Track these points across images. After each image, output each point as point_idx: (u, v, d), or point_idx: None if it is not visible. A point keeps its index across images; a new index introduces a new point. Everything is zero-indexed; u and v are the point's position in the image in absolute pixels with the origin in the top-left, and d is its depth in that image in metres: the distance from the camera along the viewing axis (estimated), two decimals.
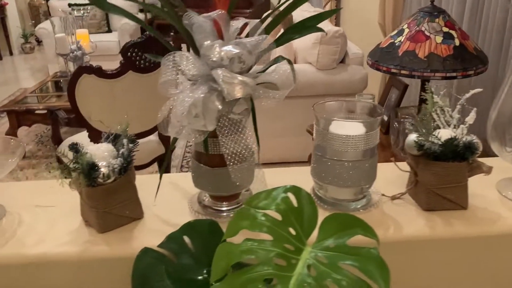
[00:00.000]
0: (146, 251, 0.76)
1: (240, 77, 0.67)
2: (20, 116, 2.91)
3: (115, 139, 0.83)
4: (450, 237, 0.80)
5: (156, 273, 0.73)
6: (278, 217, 0.55)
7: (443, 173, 0.82)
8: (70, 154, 0.79)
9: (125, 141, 0.80)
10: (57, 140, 2.61)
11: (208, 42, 0.69)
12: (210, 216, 0.83)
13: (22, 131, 3.39)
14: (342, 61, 2.80)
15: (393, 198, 0.89)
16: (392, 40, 1.79)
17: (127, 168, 0.79)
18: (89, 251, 0.77)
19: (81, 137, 2.29)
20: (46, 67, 5.30)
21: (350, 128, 0.83)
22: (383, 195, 0.89)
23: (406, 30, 1.76)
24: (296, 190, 0.56)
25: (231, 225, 0.56)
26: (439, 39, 1.68)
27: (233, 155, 0.73)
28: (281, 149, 2.86)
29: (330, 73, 2.73)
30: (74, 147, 0.78)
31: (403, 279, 0.78)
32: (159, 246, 0.77)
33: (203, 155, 0.80)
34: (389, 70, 1.74)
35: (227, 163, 0.75)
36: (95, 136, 1.98)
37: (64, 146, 2.29)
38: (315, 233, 0.55)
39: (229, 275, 0.53)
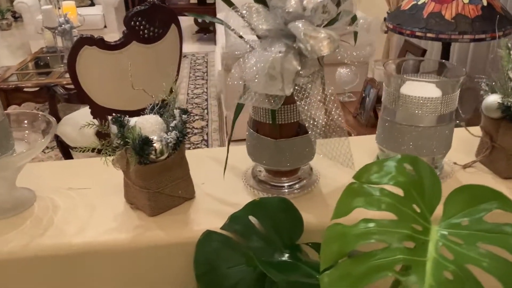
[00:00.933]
0: (209, 234, 0.67)
1: (325, 30, 0.57)
2: (9, 95, 2.73)
3: (161, 110, 0.72)
4: None
5: (224, 258, 0.65)
6: (399, 192, 0.46)
7: None
8: (113, 128, 0.69)
9: (176, 112, 0.70)
10: (55, 118, 2.46)
11: None
12: (268, 193, 0.75)
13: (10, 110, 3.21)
14: None
15: (465, 166, 0.81)
16: (415, 2, 1.69)
17: (180, 143, 0.69)
18: (142, 238, 0.68)
19: (82, 115, 2.16)
20: (27, 44, 5.05)
21: (424, 90, 0.75)
22: (454, 163, 0.81)
23: None
24: (413, 160, 0.48)
25: (341, 204, 0.47)
26: None
27: (315, 123, 0.63)
28: None
29: None
30: (119, 120, 0.68)
31: None
32: (222, 228, 0.68)
33: (265, 126, 0.71)
34: (413, 33, 1.65)
35: (310, 132, 0.65)
36: (99, 113, 1.85)
37: (63, 125, 2.15)
38: (438, 210, 0.47)
39: (343, 262, 0.45)
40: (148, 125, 0.69)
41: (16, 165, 0.72)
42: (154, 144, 0.66)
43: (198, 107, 3.46)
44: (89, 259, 0.68)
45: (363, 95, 1.84)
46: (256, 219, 0.68)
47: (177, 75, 2.15)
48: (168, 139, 0.67)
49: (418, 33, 1.63)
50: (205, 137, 2.99)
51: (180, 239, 0.68)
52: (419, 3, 1.67)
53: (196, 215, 0.72)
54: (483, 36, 1.58)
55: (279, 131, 0.71)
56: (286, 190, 0.76)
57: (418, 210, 0.47)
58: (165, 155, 0.68)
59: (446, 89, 0.73)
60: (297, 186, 0.76)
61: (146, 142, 0.65)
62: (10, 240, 0.67)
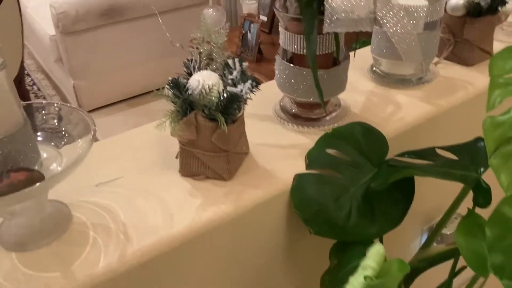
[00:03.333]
0: (300, 178, 0.66)
1: None
2: None
3: (207, 65, 0.65)
4: None
5: (326, 193, 0.65)
6: None
7: (485, 27, 0.91)
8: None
9: (231, 61, 0.64)
10: None
11: None
12: (307, 126, 0.75)
13: None
14: None
15: (436, 63, 0.95)
16: None
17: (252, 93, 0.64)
18: (244, 202, 0.62)
19: None
20: None
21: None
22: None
23: None
24: None
25: (491, 96, 0.52)
26: None
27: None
28: (143, 78, 2.62)
29: None
30: (178, 83, 0.59)
31: None
32: (307, 169, 0.67)
33: (303, 57, 0.70)
34: None
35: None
36: None
37: None
38: None
39: (505, 146, 0.52)
40: (213, 80, 0.61)
41: (49, 189, 0.55)
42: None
43: None
44: (199, 243, 0.60)
45: (243, 31, 1.86)
46: (335, 150, 0.69)
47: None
48: (242, 91, 0.61)
49: None
50: None
51: (275, 192, 0.65)
52: None
53: (269, 166, 0.69)
54: None
55: (320, 61, 0.71)
56: (328, 118, 0.77)
57: None
58: (242, 110, 0.62)
59: None
60: (333, 114, 0.79)
61: (234, 98, 0.58)
62: (94, 261, 0.55)
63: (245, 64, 0.64)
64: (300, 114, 0.79)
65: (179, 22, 2.57)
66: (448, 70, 0.93)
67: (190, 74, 0.65)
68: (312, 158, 0.69)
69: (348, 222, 0.64)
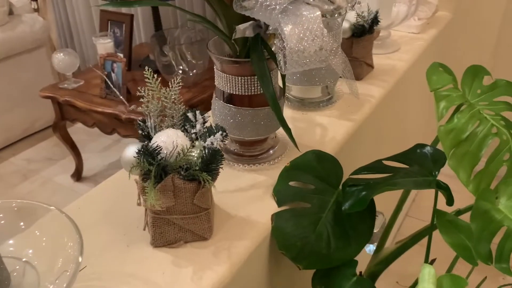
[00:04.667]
0: (277, 216, 0.66)
1: None
2: None
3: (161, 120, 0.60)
4: None
5: (304, 225, 0.66)
6: None
7: (367, 44, 1.03)
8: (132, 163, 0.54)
9: (194, 114, 0.60)
10: None
11: None
12: (255, 164, 0.76)
13: None
14: (10, 12, 2.33)
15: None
16: None
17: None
18: (236, 257, 0.59)
19: None
20: None
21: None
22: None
23: None
24: None
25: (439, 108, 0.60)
26: None
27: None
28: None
29: (4, 29, 2.25)
30: (146, 150, 0.54)
31: None
32: (280, 206, 0.67)
33: (245, 97, 0.70)
34: None
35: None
36: None
37: None
38: None
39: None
40: (180, 140, 0.57)
41: None
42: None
43: None
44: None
45: (105, 72, 1.75)
46: (297, 182, 0.70)
47: None
48: (214, 143, 0.58)
49: None
50: None
51: (260, 237, 0.63)
52: None
53: (241, 213, 0.67)
54: None
55: (259, 100, 0.72)
56: (271, 151, 0.78)
57: None
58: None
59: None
60: (276, 147, 0.80)
61: (216, 153, 0.55)
62: None
63: (206, 115, 0.61)
64: (243, 153, 0.78)
65: (14, 70, 2.29)
66: (346, 87, 1.02)
67: (147, 136, 0.59)
68: (279, 194, 0.69)
69: (329, 248, 0.66)
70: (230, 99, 0.73)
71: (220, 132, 0.59)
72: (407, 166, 0.71)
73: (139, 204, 0.58)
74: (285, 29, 0.59)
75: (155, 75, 0.59)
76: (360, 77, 1.05)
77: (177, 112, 0.60)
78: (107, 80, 1.72)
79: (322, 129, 0.87)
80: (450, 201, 0.63)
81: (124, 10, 2.31)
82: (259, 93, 0.71)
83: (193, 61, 1.92)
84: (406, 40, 1.28)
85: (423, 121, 1.82)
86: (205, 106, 1.88)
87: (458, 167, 0.61)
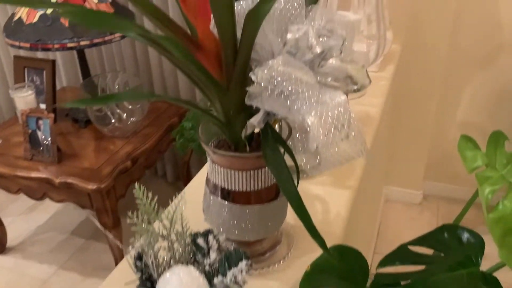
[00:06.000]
0: None
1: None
2: None
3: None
4: None
5: None
6: None
7: None
8: None
9: (205, 238, 0.46)
10: None
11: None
12: (263, 267, 0.63)
13: None
14: None
15: None
16: (43, 12, 1.48)
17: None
18: None
19: None
20: None
21: None
22: None
23: None
24: None
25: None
26: None
27: None
28: None
29: None
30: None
31: None
32: None
33: (244, 193, 0.58)
34: (65, 45, 1.46)
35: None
36: None
37: None
38: None
39: None
40: (195, 281, 0.43)
41: None
42: None
43: None
44: None
45: (29, 130, 1.52)
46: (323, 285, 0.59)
47: None
48: (237, 278, 0.45)
49: (70, 44, 1.46)
50: None
51: None
52: (48, 12, 1.47)
53: None
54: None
55: (264, 194, 0.60)
56: (277, 248, 0.66)
57: None
58: None
59: None
60: (277, 248, 0.67)
61: None
62: None
63: (221, 237, 0.47)
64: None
65: None
66: None
67: (148, 280, 0.44)
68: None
69: None
70: (230, 195, 0.59)
71: (245, 262, 0.45)
72: (439, 252, 0.62)
73: None
74: (308, 121, 0.48)
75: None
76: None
77: (181, 243, 0.46)
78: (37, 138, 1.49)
79: (321, 203, 0.77)
80: None
81: (41, 55, 2.06)
82: (267, 186, 0.58)
83: (130, 107, 1.74)
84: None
85: (385, 163, 1.80)
86: (148, 159, 1.71)
87: (511, 257, 0.53)
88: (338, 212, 0.74)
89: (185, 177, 2.11)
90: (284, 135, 0.57)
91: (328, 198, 0.77)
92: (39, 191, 1.57)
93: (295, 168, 0.56)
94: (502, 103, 1.76)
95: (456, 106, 1.83)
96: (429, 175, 1.97)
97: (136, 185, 0.45)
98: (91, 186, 1.43)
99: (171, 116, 1.84)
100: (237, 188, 0.58)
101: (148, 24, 1.78)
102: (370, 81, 0.54)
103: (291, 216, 0.65)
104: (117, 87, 1.74)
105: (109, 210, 1.52)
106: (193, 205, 0.62)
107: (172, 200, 0.48)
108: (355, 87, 0.52)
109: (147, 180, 2.29)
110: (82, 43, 1.47)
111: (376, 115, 1.06)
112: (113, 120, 1.66)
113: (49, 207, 2.14)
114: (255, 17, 0.43)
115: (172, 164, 2.20)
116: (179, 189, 2.31)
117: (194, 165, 2.14)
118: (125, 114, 1.71)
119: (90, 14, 0.41)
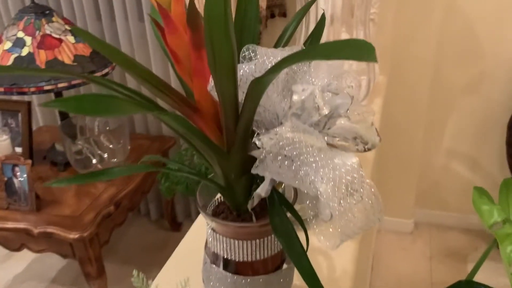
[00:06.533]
0: None
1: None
2: None
3: None
4: None
5: None
6: None
7: None
8: None
9: None
10: None
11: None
12: None
13: None
14: None
15: None
16: (17, 54, 1.42)
17: None
18: None
19: None
20: None
21: None
22: None
23: (28, 39, 1.43)
24: None
25: None
26: (71, 39, 1.49)
27: None
28: None
29: None
30: None
31: None
32: None
33: (249, 264, 0.53)
34: (41, 89, 1.40)
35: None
36: None
37: None
38: None
39: None
40: None
41: None
42: None
43: None
44: None
45: (4, 178, 1.44)
46: None
47: None
48: None
49: (47, 87, 1.41)
50: None
51: None
52: (23, 54, 1.42)
53: None
54: (106, 70, 1.56)
55: (271, 262, 0.55)
56: None
57: None
58: None
59: None
60: None
61: None
62: None
63: None
64: None
65: None
66: None
67: None
68: None
69: None
70: (232, 265, 0.54)
71: None
72: None
73: None
74: (321, 189, 0.44)
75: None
76: None
77: None
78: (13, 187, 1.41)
79: (325, 258, 0.72)
80: None
81: (16, 97, 1.98)
82: (273, 254, 0.54)
83: (111, 146, 1.68)
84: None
85: None
86: (131, 201, 1.64)
87: None
88: (344, 269, 0.70)
89: (170, 216, 2.04)
90: (289, 197, 0.53)
91: (332, 252, 0.73)
92: (16, 241, 1.48)
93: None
94: (486, 130, 1.77)
95: (442, 134, 1.82)
96: (419, 203, 1.95)
97: (134, 272, 0.40)
98: (73, 235, 1.35)
99: (154, 153, 1.78)
100: (241, 258, 0.53)
101: None
102: (380, 139, 0.51)
103: (297, 277, 0.60)
104: (96, 126, 1.68)
105: (93, 258, 1.44)
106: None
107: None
108: (366, 147, 0.49)
109: (130, 219, 2.20)
110: (60, 85, 1.41)
111: (370, 158, 1.03)
112: (94, 162, 1.59)
113: (26, 255, 2.02)
114: (261, 85, 0.39)
115: (156, 202, 2.12)
116: (163, 227, 2.23)
117: (179, 201, 2.07)
118: (106, 154, 1.65)
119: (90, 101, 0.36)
